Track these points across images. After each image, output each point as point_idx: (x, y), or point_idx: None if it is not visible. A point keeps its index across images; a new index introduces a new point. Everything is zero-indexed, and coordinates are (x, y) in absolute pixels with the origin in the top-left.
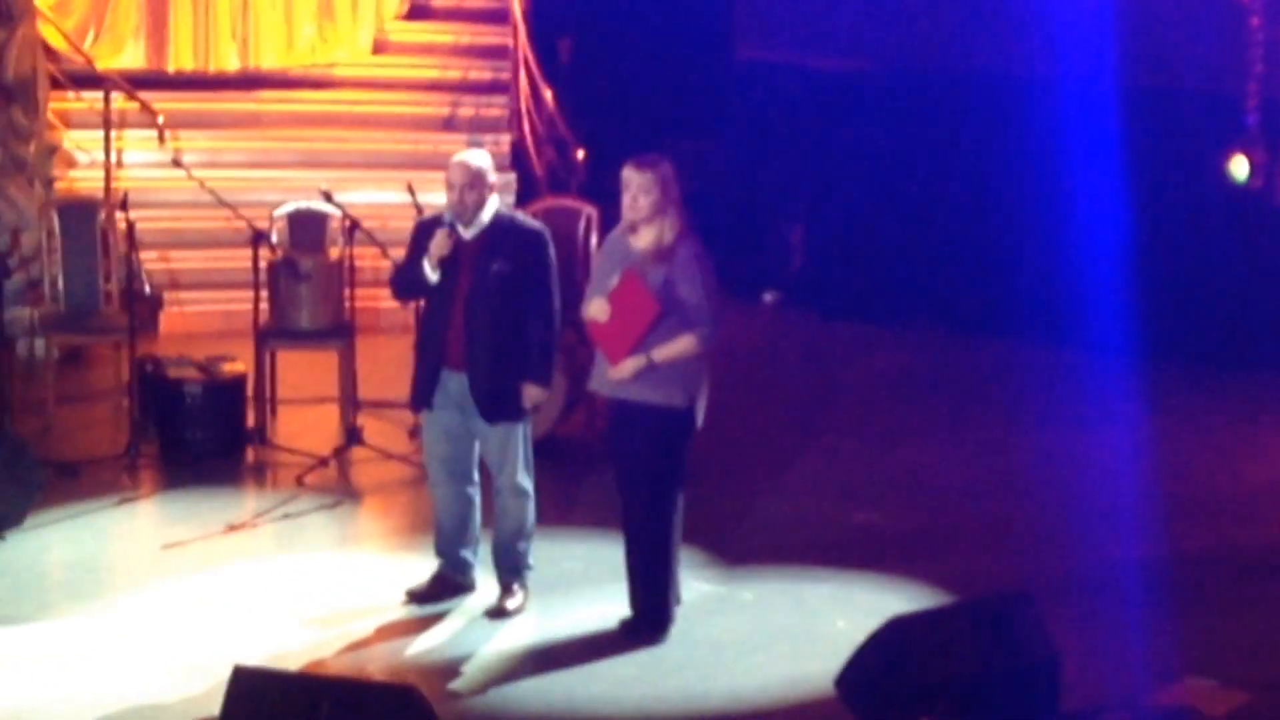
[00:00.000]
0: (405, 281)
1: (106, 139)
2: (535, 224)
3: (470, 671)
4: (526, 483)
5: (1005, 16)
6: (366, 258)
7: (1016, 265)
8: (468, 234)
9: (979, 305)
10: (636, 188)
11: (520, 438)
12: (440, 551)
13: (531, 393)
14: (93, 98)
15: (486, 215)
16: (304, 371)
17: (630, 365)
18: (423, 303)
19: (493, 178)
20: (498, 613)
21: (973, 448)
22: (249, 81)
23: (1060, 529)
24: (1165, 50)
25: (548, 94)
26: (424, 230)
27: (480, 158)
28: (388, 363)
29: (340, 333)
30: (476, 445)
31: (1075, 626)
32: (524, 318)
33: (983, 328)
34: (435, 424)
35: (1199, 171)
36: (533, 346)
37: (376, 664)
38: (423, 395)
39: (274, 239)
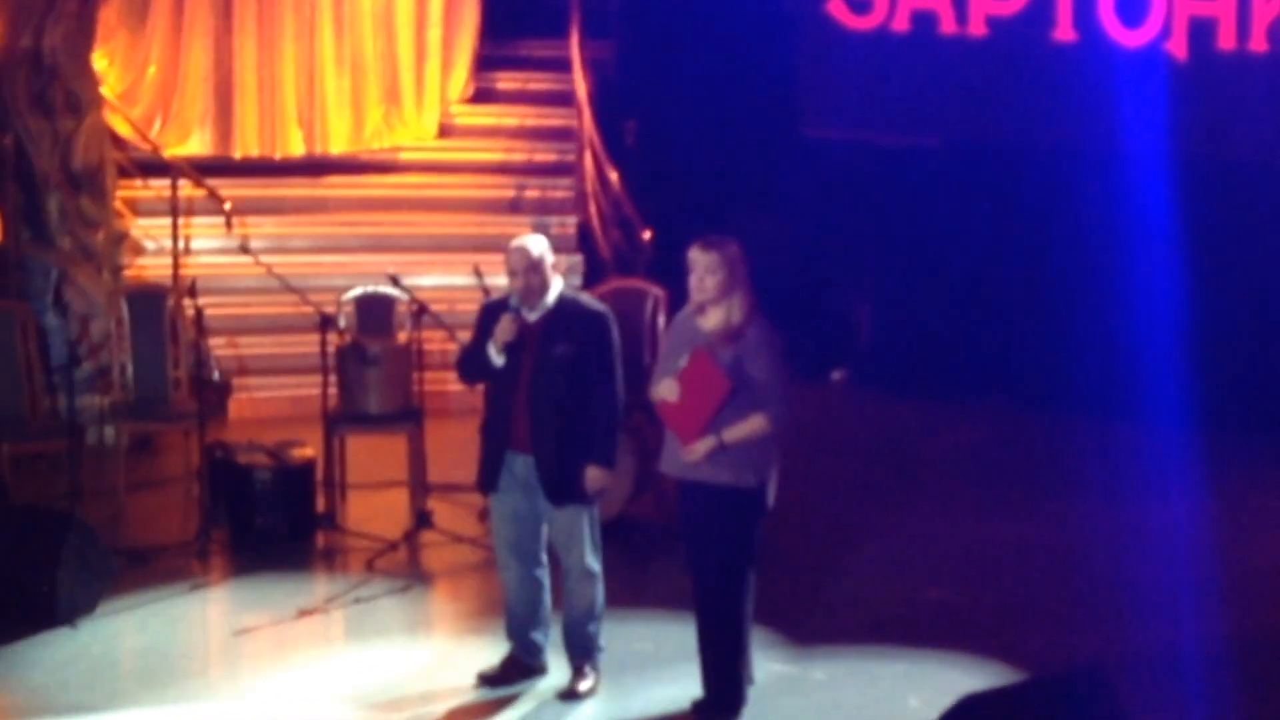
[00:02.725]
0: (471, 365)
1: (174, 226)
2: (598, 305)
3: None
4: (595, 564)
5: (1067, 89)
6: (434, 341)
7: (1083, 339)
8: (532, 317)
9: (1046, 380)
10: (703, 268)
11: (587, 519)
12: (511, 634)
13: (594, 475)
14: (160, 185)
15: (550, 298)
16: (373, 455)
17: (702, 447)
18: (486, 386)
19: (552, 260)
20: (569, 695)
21: (1042, 523)
22: (315, 167)
23: (1131, 605)
24: (1224, 121)
25: (613, 175)
26: (489, 313)
27: (538, 243)
28: (457, 446)
29: (409, 416)
30: (544, 527)
31: (1148, 703)
32: (588, 399)
33: (1051, 402)
34: (502, 507)
35: (1260, 243)
36: (596, 428)
37: None
38: (489, 478)
39: (341, 324)
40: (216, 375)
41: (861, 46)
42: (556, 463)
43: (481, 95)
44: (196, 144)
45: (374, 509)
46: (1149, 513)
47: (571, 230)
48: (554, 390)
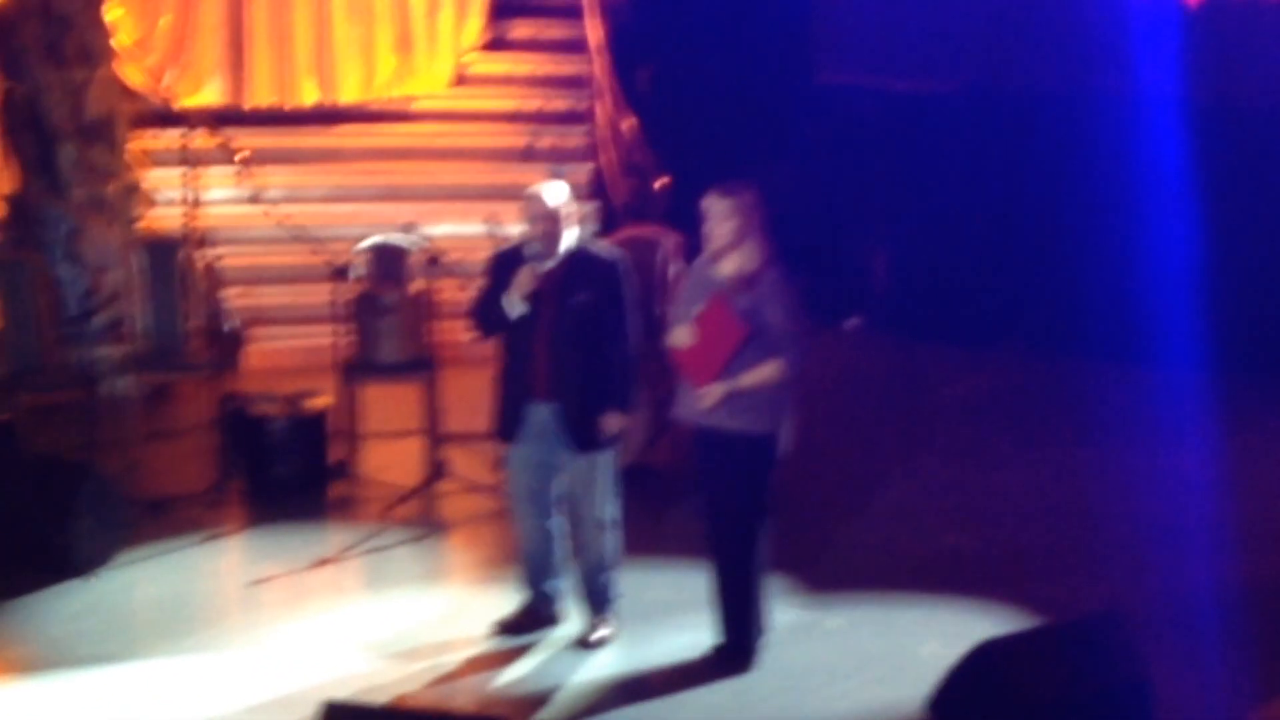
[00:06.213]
0: (487, 316)
1: (187, 177)
2: (613, 253)
3: (559, 703)
4: (612, 513)
5: (1081, 35)
6: (448, 290)
7: (1097, 285)
8: (547, 266)
9: (1060, 326)
10: (718, 215)
11: (605, 468)
12: (526, 583)
13: (612, 421)
14: (173, 136)
15: (565, 247)
16: (388, 405)
17: (714, 392)
18: (503, 336)
19: (569, 209)
20: (585, 643)
21: (1057, 469)
22: (328, 116)
23: (1147, 550)
24: (1236, 67)
25: (628, 123)
26: (501, 262)
27: (555, 191)
28: (471, 394)
29: (423, 365)
30: (560, 476)
31: (1165, 647)
32: (606, 347)
33: (1065, 348)
34: (518, 456)
35: (1273, 187)
36: (614, 375)
37: (465, 697)
38: (508, 428)
39: (355, 273)
40: (232, 325)
41: None
42: (577, 411)
43: (495, 43)
44: (209, 94)
45: (389, 458)
46: (1164, 458)
47: (586, 178)
48: (573, 340)
